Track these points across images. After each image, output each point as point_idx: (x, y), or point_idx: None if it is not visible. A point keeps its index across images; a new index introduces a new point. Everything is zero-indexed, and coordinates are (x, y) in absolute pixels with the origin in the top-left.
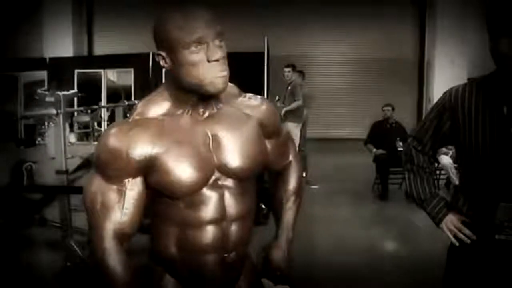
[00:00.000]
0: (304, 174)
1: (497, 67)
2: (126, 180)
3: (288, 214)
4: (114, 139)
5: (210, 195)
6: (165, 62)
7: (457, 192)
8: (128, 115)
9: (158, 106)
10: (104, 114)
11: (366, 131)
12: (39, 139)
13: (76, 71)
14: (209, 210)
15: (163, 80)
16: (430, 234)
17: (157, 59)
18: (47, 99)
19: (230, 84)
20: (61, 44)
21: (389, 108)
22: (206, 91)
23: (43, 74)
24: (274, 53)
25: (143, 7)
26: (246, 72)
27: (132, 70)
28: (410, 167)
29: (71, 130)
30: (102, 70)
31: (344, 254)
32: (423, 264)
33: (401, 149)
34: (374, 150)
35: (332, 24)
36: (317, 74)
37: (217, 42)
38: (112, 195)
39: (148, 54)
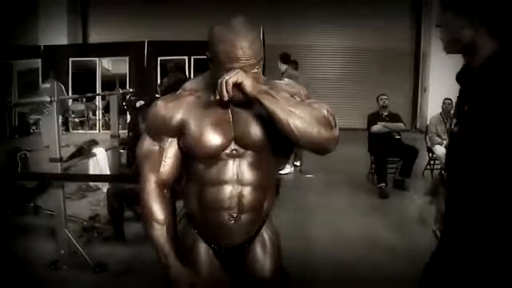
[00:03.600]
0: (299, 163)
1: None
2: (166, 140)
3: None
4: (159, 107)
5: (227, 161)
6: (208, 60)
7: None
8: (123, 103)
9: (195, 85)
10: (99, 102)
11: (361, 121)
12: (34, 127)
13: (70, 59)
14: (224, 173)
15: (158, 69)
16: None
17: (206, 55)
18: (42, 86)
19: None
20: (55, 32)
21: (385, 97)
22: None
23: (37, 62)
24: (269, 42)
25: None
26: None
27: (127, 58)
28: None
29: (66, 118)
30: (97, 59)
31: (339, 242)
32: (419, 254)
33: (398, 136)
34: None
35: (328, 14)
36: (312, 64)
37: (250, 72)
38: (157, 151)
39: (143, 43)
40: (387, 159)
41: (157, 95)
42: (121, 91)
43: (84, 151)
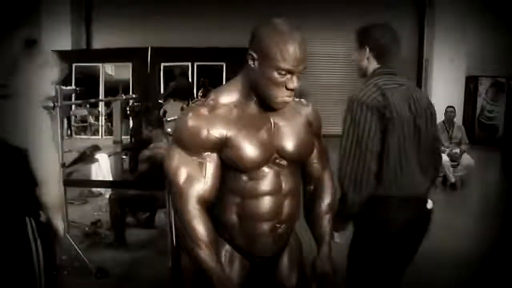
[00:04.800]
0: None
1: None
2: (206, 154)
3: (326, 230)
4: (195, 119)
5: (269, 171)
6: (253, 63)
7: None
8: (126, 109)
9: (229, 95)
10: (102, 108)
11: None
12: None
13: (74, 64)
14: (267, 184)
15: (161, 75)
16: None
17: (247, 56)
18: None
19: None
20: (59, 37)
21: None
22: (270, 104)
23: None
24: None
25: (142, 1)
26: (242, 67)
27: (130, 64)
28: None
29: (68, 123)
30: (100, 64)
31: (340, 247)
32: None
33: None
34: None
35: (330, 20)
36: (314, 71)
37: (296, 76)
38: (195, 166)
39: (147, 49)
40: None
41: (160, 101)
42: (124, 96)
43: (86, 156)
